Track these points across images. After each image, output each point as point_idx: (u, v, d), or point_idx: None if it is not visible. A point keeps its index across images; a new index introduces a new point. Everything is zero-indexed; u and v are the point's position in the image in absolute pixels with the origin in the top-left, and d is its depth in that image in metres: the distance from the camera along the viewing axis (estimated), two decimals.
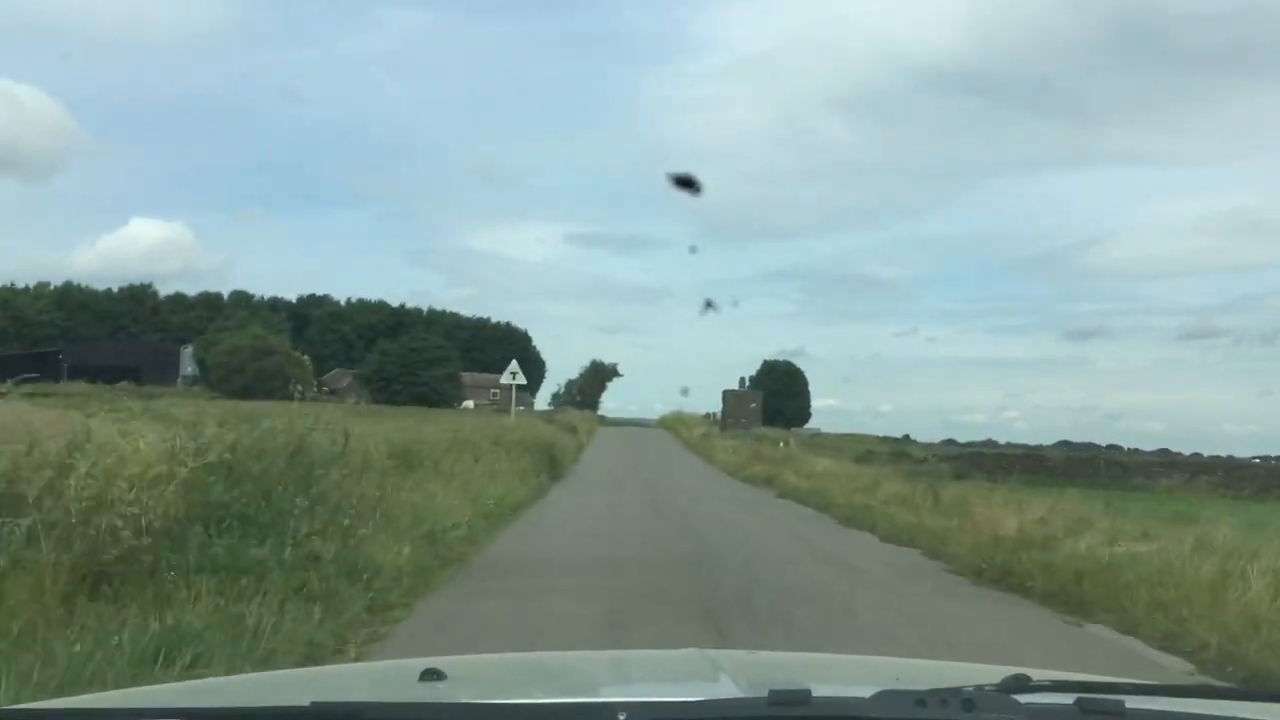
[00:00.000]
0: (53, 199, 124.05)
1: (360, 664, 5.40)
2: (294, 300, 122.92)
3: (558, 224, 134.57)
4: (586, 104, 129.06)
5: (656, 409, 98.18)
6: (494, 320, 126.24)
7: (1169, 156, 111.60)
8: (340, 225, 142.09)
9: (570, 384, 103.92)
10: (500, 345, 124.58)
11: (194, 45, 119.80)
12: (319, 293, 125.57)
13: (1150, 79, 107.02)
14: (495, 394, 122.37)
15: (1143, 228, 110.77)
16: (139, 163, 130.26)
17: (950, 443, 79.16)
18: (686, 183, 3.67)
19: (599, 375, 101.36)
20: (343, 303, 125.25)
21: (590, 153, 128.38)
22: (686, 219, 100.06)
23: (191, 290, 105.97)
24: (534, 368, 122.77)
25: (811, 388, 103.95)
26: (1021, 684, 1.65)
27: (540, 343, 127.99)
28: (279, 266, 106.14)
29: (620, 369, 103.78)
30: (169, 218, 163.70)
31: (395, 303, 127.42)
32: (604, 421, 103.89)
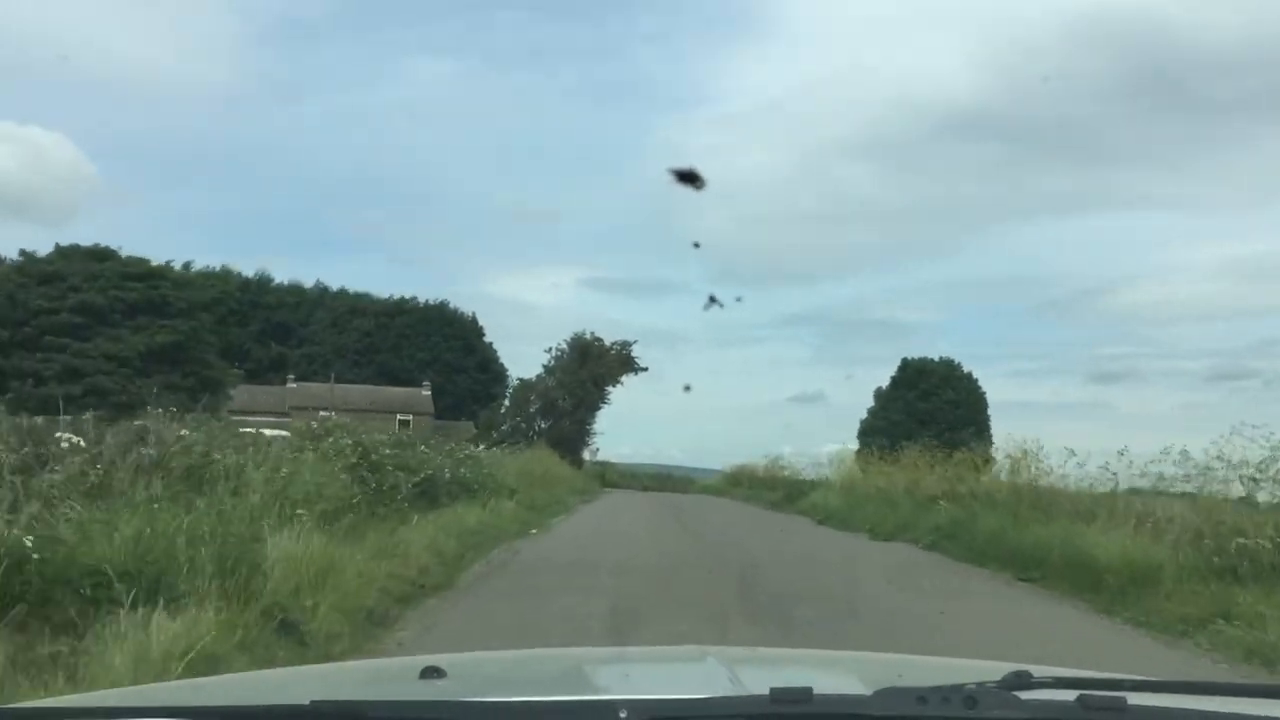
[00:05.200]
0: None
1: (360, 662, 5.56)
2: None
3: (574, 270, 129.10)
4: (606, 150, 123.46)
5: (674, 454, 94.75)
6: (421, 300, 77.76)
7: (1193, 201, 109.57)
8: (358, 270, 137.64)
9: (520, 390, 56.12)
10: (429, 340, 76.22)
11: (215, 94, 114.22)
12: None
13: (1175, 124, 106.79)
14: (406, 421, 74.59)
15: (1168, 271, 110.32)
16: (158, 210, 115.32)
17: None
18: (689, 177, 3.55)
19: (589, 364, 53.26)
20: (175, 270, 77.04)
21: (608, 199, 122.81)
22: (704, 263, 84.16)
23: None
24: (487, 382, 74.38)
25: (837, 432, 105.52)
26: (1023, 680, 1.68)
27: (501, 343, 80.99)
28: None
29: (639, 356, 56.64)
30: (189, 266, 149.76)
31: (251, 270, 79.04)
32: (605, 479, 55.86)
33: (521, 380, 57.10)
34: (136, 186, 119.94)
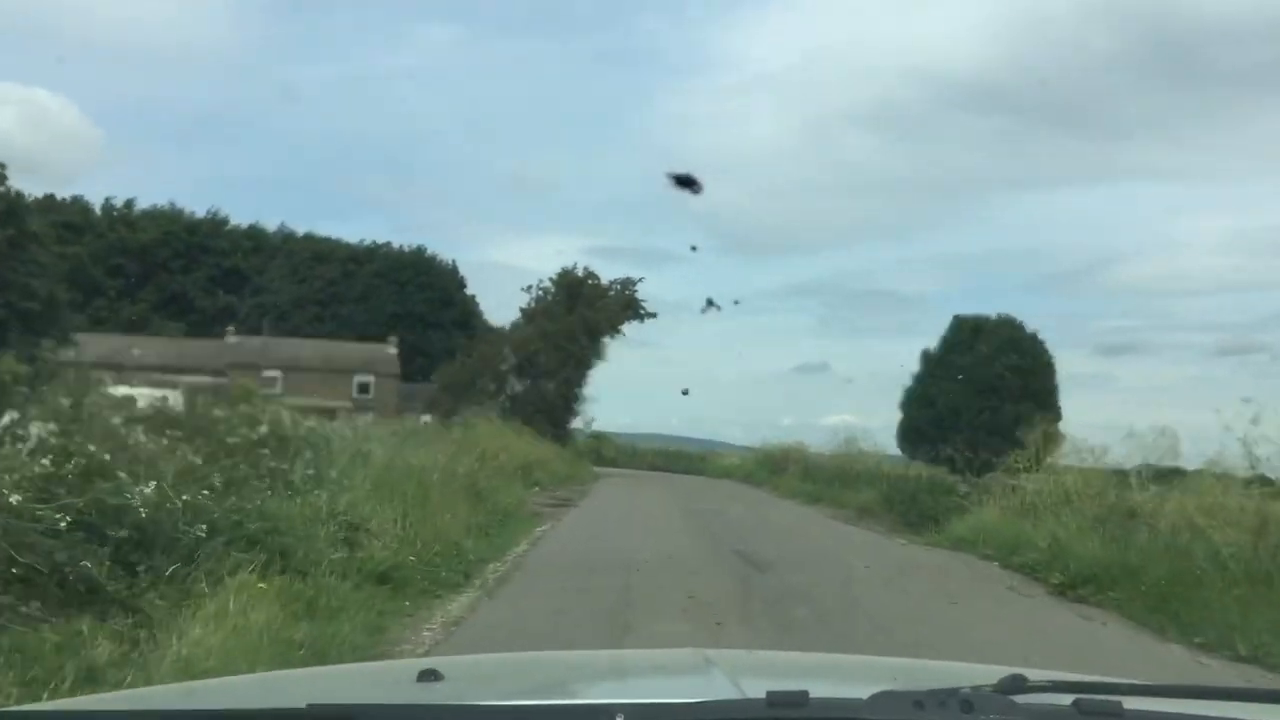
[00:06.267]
0: None
1: (357, 665, 5.15)
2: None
3: (578, 237, 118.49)
4: (610, 119, 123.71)
5: (675, 425, 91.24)
6: (397, 246, 67.95)
7: (1202, 173, 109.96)
8: (359, 236, 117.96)
9: (488, 343, 45.29)
10: (403, 291, 66.52)
11: (219, 59, 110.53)
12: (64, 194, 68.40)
13: (1181, 95, 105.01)
14: (366, 384, 64.11)
15: (1174, 244, 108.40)
16: (159, 173, 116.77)
17: None
18: (687, 182, 3.70)
19: (581, 308, 42.34)
20: (115, 208, 68.04)
21: (613, 167, 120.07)
22: (707, 233, 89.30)
23: None
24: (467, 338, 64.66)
25: (837, 403, 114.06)
26: (1019, 684, 1.68)
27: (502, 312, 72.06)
28: None
29: (646, 298, 44.15)
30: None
31: (202, 211, 69.15)
32: (601, 455, 46.65)
33: (491, 329, 46.39)
34: (136, 147, 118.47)
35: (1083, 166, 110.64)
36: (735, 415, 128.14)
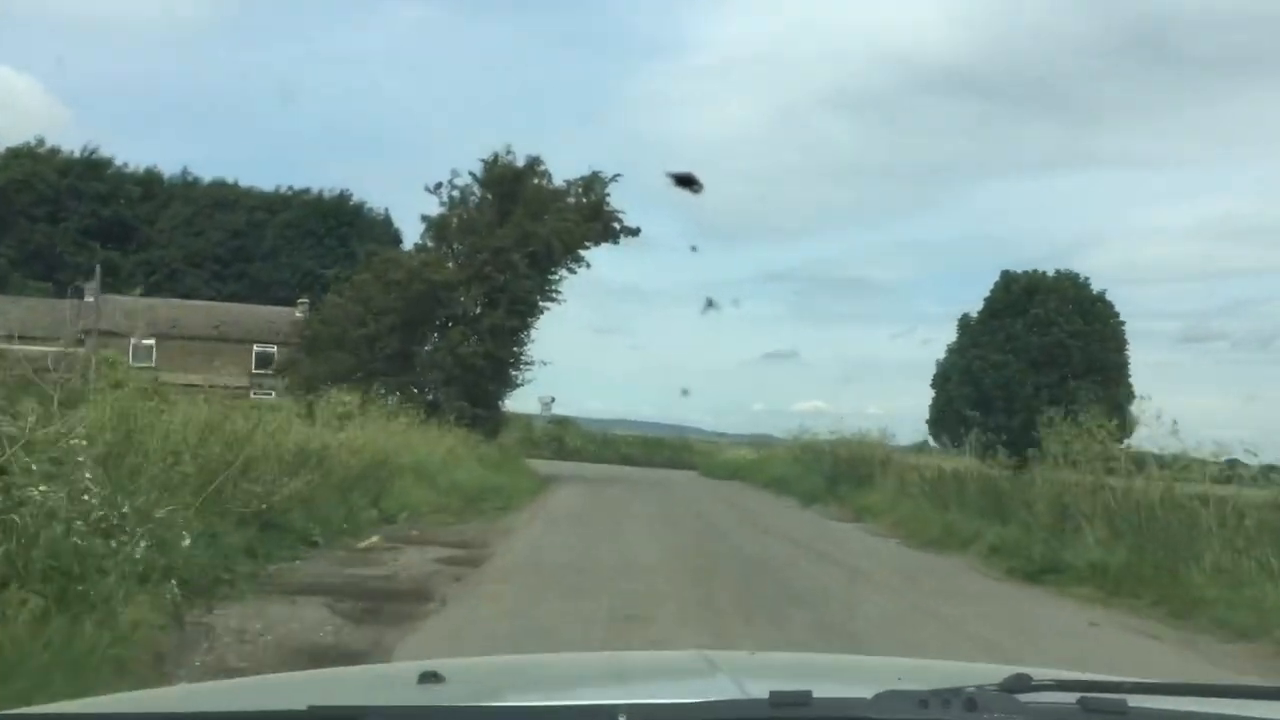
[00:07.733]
0: None
1: (358, 667, 5.42)
2: None
3: None
4: (582, 101, 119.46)
5: (646, 411, 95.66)
6: (315, 191, 56.66)
7: (1164, 160, 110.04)
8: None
9: (373, 270, 27.75)
10: (323, 244, 55.26)
11: (187, 39, 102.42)
12: None
13: (1147, 83, 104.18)
14: (268, 356, 52.10)
15: (1139, 231, 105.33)
16: (130, 157, 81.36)
17: None
18: (687, 181, 3.62)
19: (519, 216, 25.66)
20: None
21: (584, 150, 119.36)
22: (681, 218, 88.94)
23: None
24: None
25: (804, 389, 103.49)
26: (1023, 683, 1.67)
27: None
28: None
29: (622, 212, 28.25)
30: None
31: (78, 148, 57.23)
32: (565, 445, 36.95)
33: (376, 252, 31.45)
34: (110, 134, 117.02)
35: (1051, 153, 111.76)
36: (706, 401, 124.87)
